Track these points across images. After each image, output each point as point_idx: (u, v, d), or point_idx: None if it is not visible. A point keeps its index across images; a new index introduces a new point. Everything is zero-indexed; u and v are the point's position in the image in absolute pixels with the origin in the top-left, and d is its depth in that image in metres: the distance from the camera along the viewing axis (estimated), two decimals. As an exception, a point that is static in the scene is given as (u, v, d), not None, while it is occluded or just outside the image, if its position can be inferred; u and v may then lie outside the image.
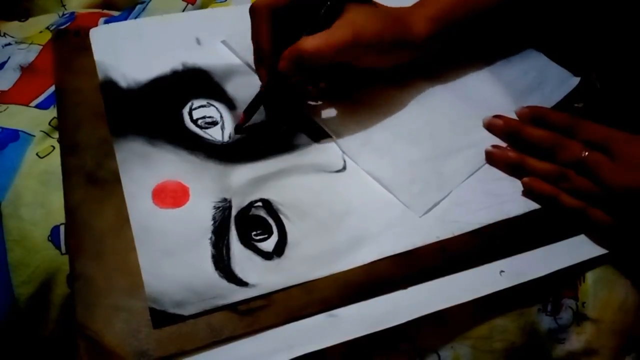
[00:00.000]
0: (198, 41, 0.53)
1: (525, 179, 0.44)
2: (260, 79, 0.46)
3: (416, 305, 0.36)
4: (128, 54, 0.50)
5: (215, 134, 0.45)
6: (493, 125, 0.48)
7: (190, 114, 0.46)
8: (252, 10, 0.45)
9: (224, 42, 0.52)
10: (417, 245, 0.40)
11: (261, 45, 0.45)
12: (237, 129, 0.46)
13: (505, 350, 0.39)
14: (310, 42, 0.42)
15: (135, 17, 0.58)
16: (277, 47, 0.44)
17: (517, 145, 0.46)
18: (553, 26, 0.54)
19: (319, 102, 0.48)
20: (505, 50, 0.55)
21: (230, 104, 0.48)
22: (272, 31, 0.44)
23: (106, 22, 0.57)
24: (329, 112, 0.48)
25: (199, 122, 0.46)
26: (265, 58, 0.45)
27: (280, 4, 0.44)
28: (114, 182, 0.40)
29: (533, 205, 0.43)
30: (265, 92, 0.45)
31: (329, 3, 0.43)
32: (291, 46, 0.43)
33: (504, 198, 0.43)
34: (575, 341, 0.41)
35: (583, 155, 0.42)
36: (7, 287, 0.40)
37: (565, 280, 0.41)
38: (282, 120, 0.47)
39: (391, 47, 0.46)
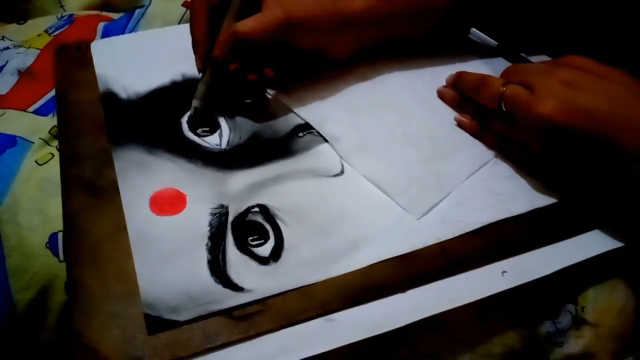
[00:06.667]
0: None
1: (456, 117, 0.48)
2: (197, 67, 0.48)
3: (416, 309, 0.36)
4: (129, 66, 0.51)
5: (213, 142, 0.45)
6: (443, 93, 0.51)
7: (188, 122, 0.46)
8: (192, 3, 0.47)
9: None
10: (416, 248, 0.39)
11: (195, 35, 0.47)
12: (194, 117, 0.47)
13: (504, 354, 0.39)
14: (245, 24, 0.43)
15: (136, 22, 0.58)
16: (214, 38, 0.46)
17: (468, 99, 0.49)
18: (549, 28, 0.54)
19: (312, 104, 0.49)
20: (506, 50, 0.55)
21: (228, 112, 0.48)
22: (208, 23, 0.46)
23: (105, 27, 0.57)
24: (326, 117, 0.48)
25: (198, 130, 0.46)
26: (198, 47, 0.47)
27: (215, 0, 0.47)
28: (112, 191, 0.41)
29: (537, 204, 0.42)
30: (202, 78, 0.47)
31: None
32: (223, 31, 0.45)
33: (507, 196, 0.43)
34: (574, 345, 0.41)
35: (501, 90, 0.43)
36: (6, 292, 0.40)
37: (567, 290, 0.41)
38: (222, 106, 0.48)
39: (328, 25, 0.46)
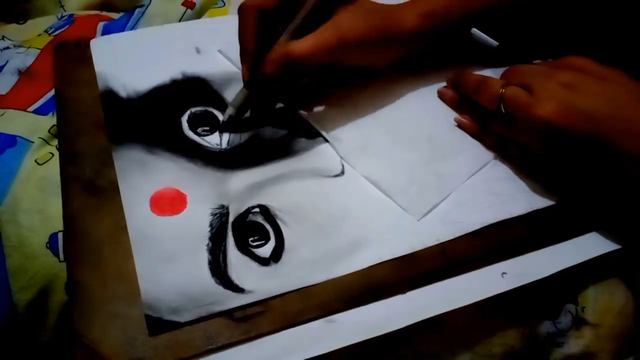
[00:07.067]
0: (197, 50, 0.53)
1: (456, 117, 0.48)
2: (243, 77, 0.47)
3: (416, 310, 0.36)
4: (128, 64, 0.51)
5: (213, 141, 0.45)
6: (443, 93, 0.51)
7: (189, 121, 0.46)
8: (240, 10, 0.46)
9: (220, 51, 0.53)
10: (416, 249, 0.39)
11: (245, 45, 0.46)
12: (225, 125, 0.46)
13: (504, 354, 0.39)
14: (299, 46, 0.43)
15: (135, 22, 0.58)
16: (263, 47, 0.45)
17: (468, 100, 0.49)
18: (556, 30, 0.54)
19: (314, 105, 0.48)
20: (507, 51, 0.55)
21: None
22: (257, 31, 0.45)
23: (105, 26, 0.57)
24: (327, 117, 0.48)
25: (198, 129, 0.46)
26: (247, 56, 0.46)
27: (269, 5, 0.45)
28: (112, 191, 0.40)
29: (536, 205, 0.42)
30: (247, 88, 0.46)
31: (315, 6, 0.44)
32: (277, 50, 0.44)
33: (506, 198, 0.43)
34: (574, 345, 0.41)
35: (501, 92, 0.43)
36: (6, 292, 0.40)
37: (567, 290, 0.41)
38: (265, 119, 0.47)
39: (378, 44, 0.46)
